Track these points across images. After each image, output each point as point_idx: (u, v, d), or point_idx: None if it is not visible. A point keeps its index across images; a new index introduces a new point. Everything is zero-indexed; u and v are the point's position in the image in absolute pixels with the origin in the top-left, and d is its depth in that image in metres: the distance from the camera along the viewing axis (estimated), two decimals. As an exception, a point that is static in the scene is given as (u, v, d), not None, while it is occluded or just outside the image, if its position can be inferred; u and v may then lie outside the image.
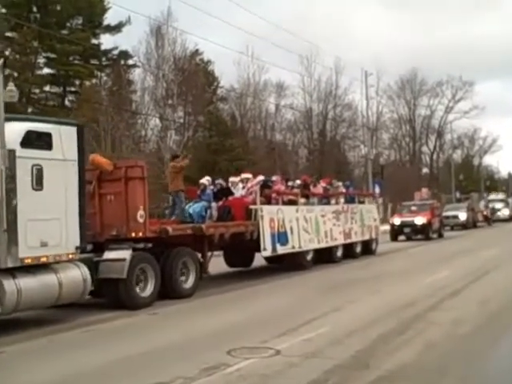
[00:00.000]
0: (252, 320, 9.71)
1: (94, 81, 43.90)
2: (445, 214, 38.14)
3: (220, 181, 17.26)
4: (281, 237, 15.99)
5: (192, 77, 42.45)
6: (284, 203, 17.14)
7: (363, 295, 11.89)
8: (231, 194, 16.44)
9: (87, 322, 9.93)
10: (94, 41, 44.22)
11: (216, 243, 14.23)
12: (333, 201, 20.41)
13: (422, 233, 30.32)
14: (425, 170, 76.14)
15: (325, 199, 20.00)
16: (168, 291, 11.99)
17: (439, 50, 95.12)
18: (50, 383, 6.54)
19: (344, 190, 21.98)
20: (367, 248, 21.57)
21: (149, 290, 11.50)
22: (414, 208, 32.30)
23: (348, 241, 20.05)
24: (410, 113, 73.10)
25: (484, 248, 22.55)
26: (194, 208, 14.84)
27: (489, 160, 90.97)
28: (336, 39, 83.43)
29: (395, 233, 31.00)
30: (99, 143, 33.89)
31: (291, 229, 16.51)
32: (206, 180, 16.17)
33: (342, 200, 20.87)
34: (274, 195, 16.99)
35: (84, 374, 6.76)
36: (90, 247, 11.18)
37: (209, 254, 14.18)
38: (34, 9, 41.31)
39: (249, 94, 52.75)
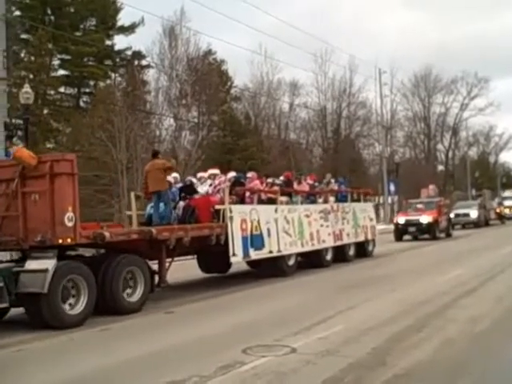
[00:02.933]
0: (266, 318, 9.68)
1: (108, 81, 44.17)
2: (456, 211, 37.57)
3: (189, 177, 16.07)
4: (255, 240, 14.32)
5: (205, 76, 42.53)
6: (263, 202, 15.72)
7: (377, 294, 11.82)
8: (195, 191, 14.87)
9: (104, 320, 9.95)
10: (108, 42, 44.51)
11: (178, 249, 12.49)
12: (321, 199, 18.69)
13: (428, 232, 28.78)
14: (440, 168, 75.71)
15: (311, 197, 18.34)
16: (109, 306, 10.37)
17: (454, 46, 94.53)
18: (64, 381, 6.56)
19: (336, 188, 20.19)
20: (362, 250, 19.94)
21: (80, 306, 9.71)
22: (419, 206, 30.79)
23: (339, 243, 18.23)
24: (425, 110, 72.71)
25: (494, 247, 21.90)
26: (159, 208, 13.48)
27: (505, 157, 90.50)
28: (350, 37, 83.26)
29: (400, 232, 29.30)
30: (114, 144, 34.06)
31: (268, 231, 14.85)
32: (171, 177, 14.66)
33: (331, 198, 19.09)
34: (247, 193, 15.46)
35: (99, 372, 6.79)
36: (15, 255, 10.11)
37: (169, 260, 12.61)
38: (49, 11, 41.65)
39: (262, 93, 52.78)
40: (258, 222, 14.59)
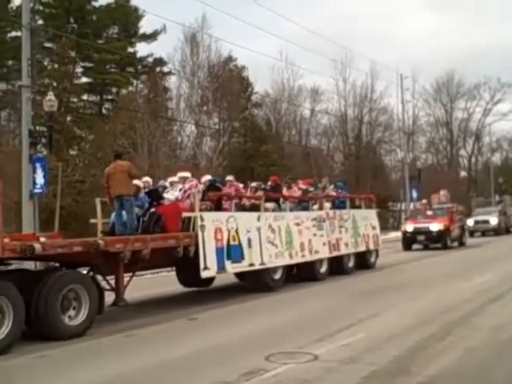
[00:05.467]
0: (288, 325, 9.67)
1: (130, 89, 44.56)
2: (475, 218, 36.81)
3: (162, 181, 14.75)
4: (233, 252, 12.81)
5: (227, 83, 42.70)
6: (246, 209, 14.42)
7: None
8: (160, 197, 13.46)
9: (128, 326, 10.01)
10: (130, 49, 44.93)
11: (139, 262, 11.19)
12: (316, 206, 16.95)
13: (439, 241, 26.68)
14: (463, 174, 74.97)
15: (304, 204, 16.58)
16: (43, 330, 8.96)
17: (476, 51, 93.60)
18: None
19: (334, 193, 18.38)
20: (363, 261, 18.25)
21: (3, 332, 8.33)
22: (429, 213, 28.57)
23: (335, 254, 16.59)
24: (447, 116, 72.06)
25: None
26: (122, 216, 12.28)
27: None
28: (371, 43, 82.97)
29: (408, 241, 27.35)
30: (136, 150, 34.30)
31: (249, 241, 13.31)
32: (141, 182, 13.33)
33: (327, 205, 17.28)
34: (224, 199, 14.02)
35: (122, 378, 6.84)
36: None
37: (129, 275, 11.42)
38: (72, 20, 42.16)
39: (283, 99, 52.78)
40: (237, 231, 13.06)
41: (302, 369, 6.78)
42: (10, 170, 30.98)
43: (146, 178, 14.00)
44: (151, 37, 45.71)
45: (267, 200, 14.80)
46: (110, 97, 45.69)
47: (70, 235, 14.55)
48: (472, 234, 35.82)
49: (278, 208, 15.34)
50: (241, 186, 15.61)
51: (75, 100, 40.99)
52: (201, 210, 12.55)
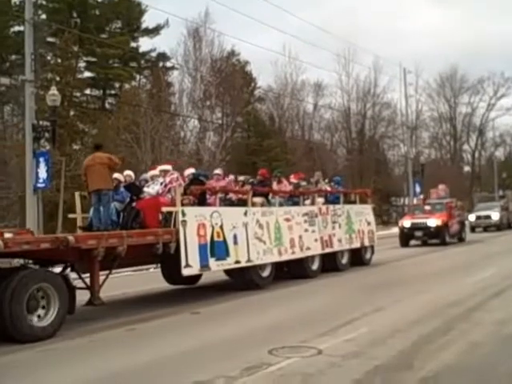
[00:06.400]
0: (292, 320, 9.67)
1: (133, 83, 44.54)
2: (477, 213, 36.48)
3: (144, 175, 14.23)
4: (217, 248, 12.25)
5: (229, 78, 42.67)
6: (233, 204, 14.02)
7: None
8: (139, 191, 13.04)
9: (130, 320, 10.03)
10: (133, 44, 44.88)
11: (117, 259, 10.62)
12: (308, 201, 16.40)
13: (437, 237, 26.16)
14: (466, 169, 74.94)
15: (295, 199, 16.02)
16: (8, 332, 8.45)
17: (480, 46, 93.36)
18: (92, 380, 6.63)
19: (328, 188, 18.01)
20: (358, 258, 17.78)
21: None
22: (427, 208, 27.84)
23: (328, 250, 16.04)
24: (451, 111, 72.07)
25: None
26: (100, 211, 11.96)
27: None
28: (374, 37, 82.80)
29: (405, 237, 26.74)
30: (139, 145, 34.32)
31: (235, 237, 12.77)
32: (122, 175, 13.09)
33: (320, 200, 16.85)
34: (208, 194, 13.53)
35: (126, 372, 6.85)
36: None
37: (106, 273, 10.82)
38: (75, 14, 42.10)
39: (286, 94, 52.71)
40: (221, 227, 12.46)
41: (305, 363, 6.79)
42: (14, 165, 31.09)
43: (128, 172, 13.53)
44: (154, 31, 45.65)
45: (255, 194, 14.27)
46: (112, 91, 45.66)
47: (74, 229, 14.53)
48: (473, 229, 35.59)
49: (266, 203, 14.81)
50: (232, 178, 15.36)
51: (78, 94, 40.97)
52: (183, 205, 12.03)
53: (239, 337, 8.46)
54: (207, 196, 13.58)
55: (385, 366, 6.58)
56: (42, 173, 19.61)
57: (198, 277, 14.12)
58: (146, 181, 13.56)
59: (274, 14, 45.79)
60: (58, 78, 33.72)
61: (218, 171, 15.22)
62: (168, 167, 13.67)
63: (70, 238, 9.48)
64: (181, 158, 35.68)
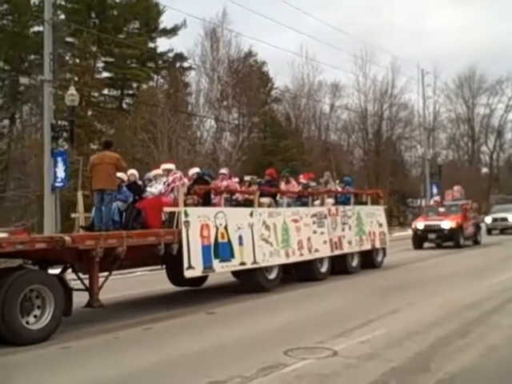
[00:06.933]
0: (307, 321, 9.66)
1: (150, 83, 44.73)
2: (493, 215, 35.75)
3: (147, 175, 13.77)
4: (221, 250, 11.92)
5: (246, 78, 42.71)
6: (239, 205, 13.74)
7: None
8: (140, 190, 12.77)
9: (148, 319, 10.09)
10: (151, 44, 45.08)
11: (117, 260, 10.27)
12: (318, 201, 16.20)
13: (451, 239, 25.51)
14: (484, 170, 74.27)
15: (303, 199, 15.74)
16: (2, 334, 8.27)
17: (499, 46, 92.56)
18: (110, 378, 6.67)
19: (339, 189, 17.78)
20: (368, 260, 17.31)
21: None
22: (441, 210, 27.13)
23: (337, 252, 15.67)
24: (469, 112, 71.36)
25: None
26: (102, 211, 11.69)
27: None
28: (392, 38, 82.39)
29: (419, 239, 26.15)
30: (156, 145, 34.46)
31: (240, 239, 12.44)
32: (129, 174, 12.92)
33: (330, 200, 16.64)
34: (213, 194, 13.27)
35: (142, 370, 6.88)
36: None
37: (106, 274, 10.37)
38: (93, 15, 42.40)
39: (303, 94, 52.64)
40: (226, 227, 12.14)
41: (321, 364, 6.78)
42: (32, 164, 31.37)
43: (132, 171, 13.31)
44: (172, 32, 45.82)
45: (262, 195, 13.99)
46: (130, 91, 45.88)
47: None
48: (490, 231, 34.99)
49: (274, 203, 14.54)
50: (236, 180, 15.09)
51: (96, 94, 41.24)
52: (186, 205, 11.76)
53: (254, 337, 8.47)
54: (212, 196, 13.35)
55: (401, 368, 6.55)
56: (60, 172, 19.79)
57: (203, 278, 13.87)
58: (150, 180, 13.26)
59: (291, 14, 46.05)
60: (76, 78, 33.93)
61: (223, 171, 14.94)
62: (171, 166, 13.32)
63: (67, 238, 9.18)
64: (197, 158, 35.78)
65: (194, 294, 13.70)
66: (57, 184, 19.93)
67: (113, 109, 42.48)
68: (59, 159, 19.94)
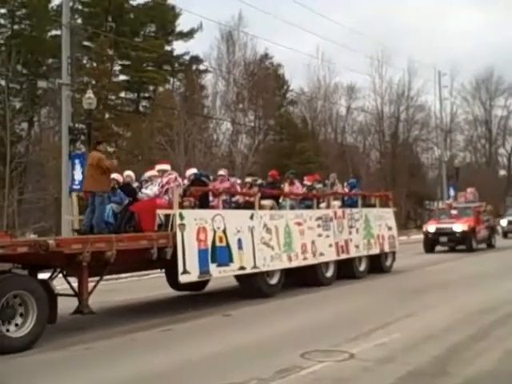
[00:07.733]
0: (323, 324, 9.65)
1: (167, 86, 44.99)
2: (508, 218, 35.07)
3: (144, 176, 13.16)
4: (219, 254, 11.41)
5: (262, 81, 42.81)
6: (239, 207, 13.27)
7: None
8: (133, 192, 12.24)
9: (163, 322, 10.12)
10: (167, 47, 45.34)
11: (108, 265, 9.73)
12: (323, 204, 15.62)
13: (463, 242, 24.77)
14: (502, 173, 73.63)
15: (308, 201, 15.24)
16: None
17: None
18: (126, 380, 6.72)
19: (346, 190, 17.30)
20: (377, 265, 16.74)
21: None
22: (454, 212, 26.43)
23: (343, 256, 15.10)
24: (486, 113, 70.82)
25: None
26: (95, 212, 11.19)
27: None
28: (409, 40, 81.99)
29: (430, 242, 25.46)
30: (173, 147, 34.63)
31: (239, 242, 11.94)
32: (124, 176, 12.50)
33: (336, 203, 16.17)
34: (211, 196, 12.79)
35: (158, 373, 6.91)
36: None
37: (96, 279, 9.89)
38: (110, 18, 42.73)
39: (319, 96, 52.60)
40: (225, 231, 11.65)
41: (338, 367, 6.77)
42: (50, 167, 31.64)
43: (128, 172, 12.90)
44: (188, 35, 46.06)
45: (264, 197, 13.44)
46: (147, 94, 46.18)
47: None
48: (506, 235, 34.26)
49: (276, 206, 14.05)
50: (238, 181, 14.86)
51: (113, 98, 41.58)
52: (183, 207, 11.34)
53: (271, 339, 8.47)
54: (210, 198, 12.91)
55: (418, 372, 6.51)
56: (78, 175, 19.89)
57: (203, 283, 13.44)
58: (146, 181, 12.77)
59: (307, 16, 46.22)
60: (93, 82, 34.27)
61: (221, 172, 14.40)
62: (166, 167, 12.77)
63: (50, 241, 8.73)
64: (213, 160, 35.89)
65: (210, 296, 13.70)
66: (74, 186, 20.04)
67: (129, 112, 42.80)
68: (77, 162, 20.05)
